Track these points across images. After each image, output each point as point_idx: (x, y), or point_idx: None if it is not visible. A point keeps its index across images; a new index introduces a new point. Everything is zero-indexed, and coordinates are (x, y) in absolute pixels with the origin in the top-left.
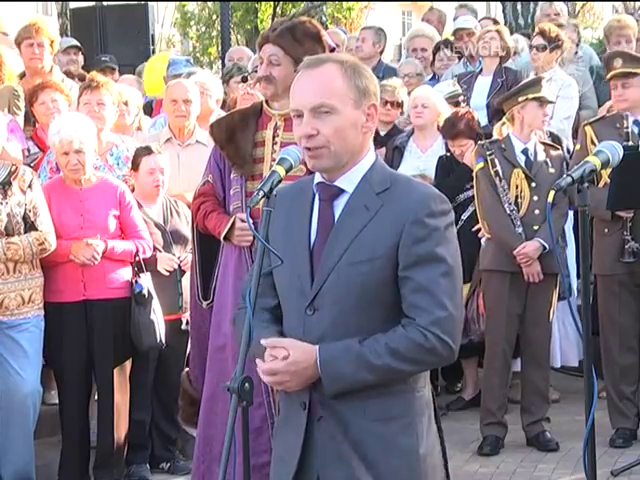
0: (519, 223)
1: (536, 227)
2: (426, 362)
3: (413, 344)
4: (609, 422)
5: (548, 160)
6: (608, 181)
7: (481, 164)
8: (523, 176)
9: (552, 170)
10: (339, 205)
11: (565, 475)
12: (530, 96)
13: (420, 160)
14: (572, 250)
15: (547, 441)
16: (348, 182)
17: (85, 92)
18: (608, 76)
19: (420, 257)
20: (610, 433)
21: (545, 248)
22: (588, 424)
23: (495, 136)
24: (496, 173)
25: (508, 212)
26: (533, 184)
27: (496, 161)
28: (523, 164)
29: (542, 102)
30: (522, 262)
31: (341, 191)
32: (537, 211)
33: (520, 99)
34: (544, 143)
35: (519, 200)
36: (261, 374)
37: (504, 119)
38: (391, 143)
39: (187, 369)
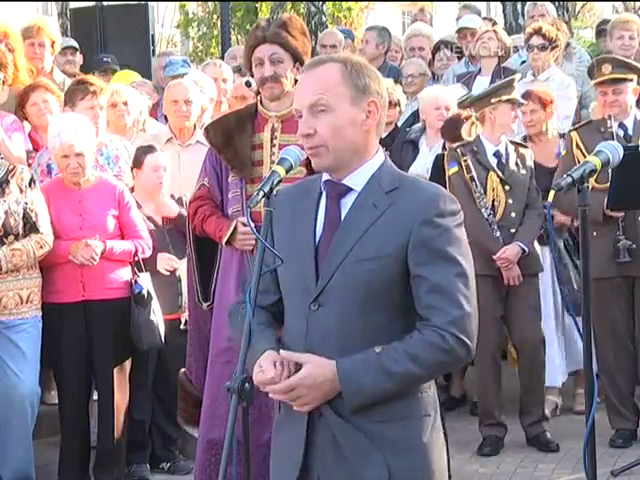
0: (496, 227)
1: (513, 230)
2: (445, 363)
3: (431, 346)
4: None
5: (519, 161)
6: (595, 185)
7: (455, 168)
8: (498, 180)
9: (523, 171)
10: (346, 203)
11: (565, 475)
12: (504, 98)
13: (427, 159)
14: None
15: (547, 442)
16: (356, 181)
17: (88, 97)
18: (596, 81)
19: (432, 258)
20: (610, 433)
21: (524, 251)
22: (588, 424)
23: (465, 137)
24: (471, 178)
25: (486, 217)
26: (507, 187)
27: (471, 166)
28: (496, 167)
29: (514, 104)
30: (502, 266)
31: (349, 189)
32: (513, 214)
33: (493, 100)
34: (514, 142)
35: (495, 204)
36: (275, 395)
37: (472, 119)
38: (403, 136)
39: (183, 370)
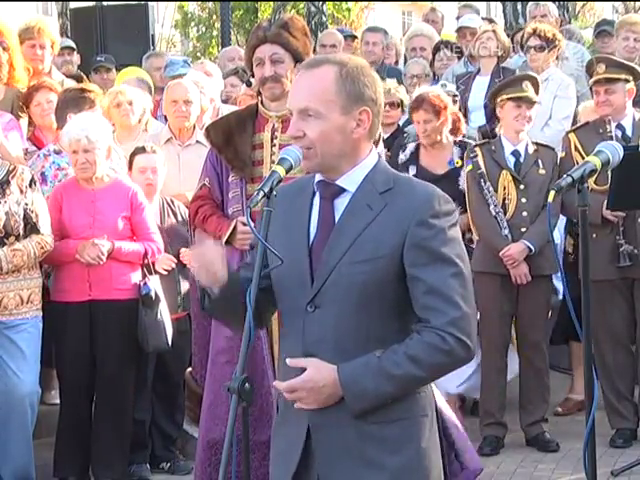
0: (505, 225)
1: (524, 229)
2: (446, 364)
3: (431, 348)
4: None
5: (540, 161)
6: (594, 187)
7: (470, 166)
8: (510, 178)
9: (542, 171)
10: (340, 204)
11: (565, 475)
12: (504, 97)
13: None
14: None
15: (547, 442)
16: (350, 182)
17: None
18: (591, 81)
19: (428, 258)
20: (610, 433)
21: (531, 250)
22: (588, 424)
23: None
24: (480, 175)
25: (494, 214)
26: (521, 186)
27: (480, 163)
28: (512, 166)
29: (520, 102)
30: (508, 264)
31: (342, 190)
32: (525, 213)
33: (499, 99)
34: (537, 143)
35: (506, 202)
36: (283, 393)
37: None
38: (401, 139)
39: (189, 369)
